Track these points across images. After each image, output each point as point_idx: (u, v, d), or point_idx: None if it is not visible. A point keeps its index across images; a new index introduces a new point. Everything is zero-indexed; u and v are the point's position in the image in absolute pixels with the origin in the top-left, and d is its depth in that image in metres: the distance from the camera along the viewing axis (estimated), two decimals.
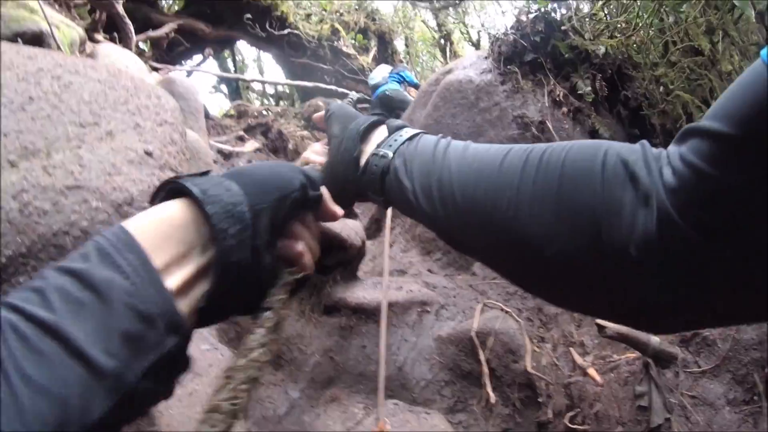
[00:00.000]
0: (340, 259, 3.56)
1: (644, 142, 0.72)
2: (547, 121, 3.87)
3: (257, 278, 0.71)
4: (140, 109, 1.08)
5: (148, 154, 1.01)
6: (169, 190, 0.69)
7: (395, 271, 4.10)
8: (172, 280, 0.60)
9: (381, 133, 1.02)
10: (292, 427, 3.13)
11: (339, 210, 0.90)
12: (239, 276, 0.67)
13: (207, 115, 5.85)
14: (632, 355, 2.92)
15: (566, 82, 4.02)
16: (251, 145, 5.86)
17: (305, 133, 6.58)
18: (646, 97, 3.91)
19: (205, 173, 0.73)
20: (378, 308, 3.39)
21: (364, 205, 4.98)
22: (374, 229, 4.63)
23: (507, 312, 3.39)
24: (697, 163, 0.59)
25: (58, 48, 3.92)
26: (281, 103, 8.95)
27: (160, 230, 0.63)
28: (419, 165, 0.89)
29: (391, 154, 0.94)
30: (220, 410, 0.65)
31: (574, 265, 0.70)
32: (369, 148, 0.99)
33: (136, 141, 1.04)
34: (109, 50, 4.42)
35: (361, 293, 3.51)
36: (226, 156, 5.58)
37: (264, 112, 6.51)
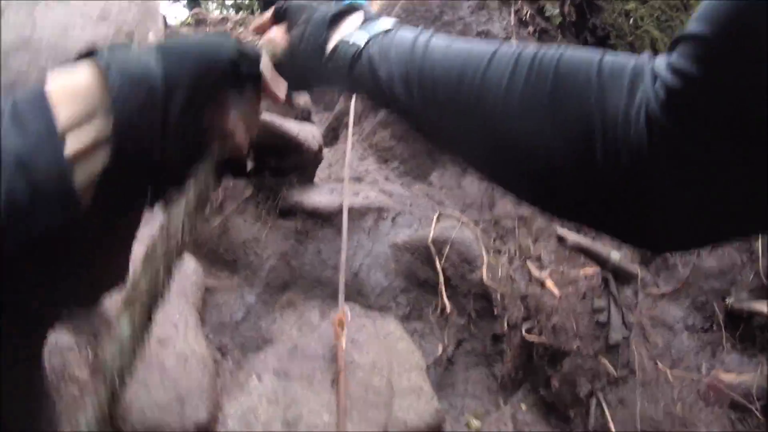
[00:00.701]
0: (296, 162, 3.50)
1: (645, 54, 0.69)
2: (512, 39, 3.85)
3: (165, 158, 0.65)
4: None
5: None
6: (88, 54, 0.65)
7: (352, 178, 4.03)
8: (72, 142, 0.57)
9: (354, 20, 0.95)
10: (249, 332, 3.11)
11: (281, 91, 0.86)
12: (141, 152, 0.62)
13: (165, 24, 5.57)
14: (591, 270, 2.98)
15: (534, 3, 3.99)
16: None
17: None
18: (614, 27, 3.94)
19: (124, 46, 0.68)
20: (334, 213, 3.36)
21: (321, 113, 4.88)
22: (331, 137, 4.53)
23: (463, 222, 3.41)
24: (683, 68, 0.58)
25: None
26: (240, 12, 8.54)
27: (68, 89, 0.60)
28: (397, 54, 0.83)
29: (363, 42, 0.88)
30: (139, 292, 0.63)
31: (566, 174, 0.68)
32: (338, 36, 0.92)
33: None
34: None
35: (317, 197, 3.46)
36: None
37: (223, 21, 6.24)
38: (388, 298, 3.28)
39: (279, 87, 0.86)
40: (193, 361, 2.30)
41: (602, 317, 2.80)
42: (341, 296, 2.85)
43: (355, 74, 0.87)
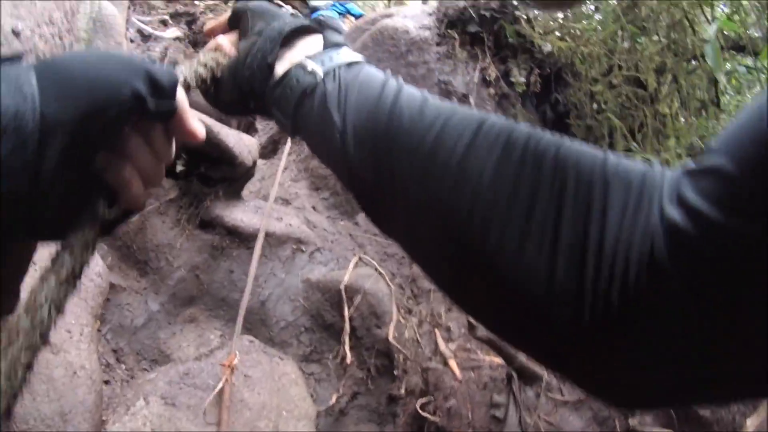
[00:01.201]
0: (227, 174, 3.37)
1: (656, 163, 0.58)
2: (471, 96, 3.81)
3: (40, 211, 0.54)
4: None
5: (15, 33, 0.80)
6: None
7: (280, 198, 3.94)
8: None
9: (313, 43, 0.81)
10: (147, 340, 2.96)
11: (200, 130, 0.69)
12: (10, 201, 0.51)
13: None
14: (497, 360, 2.92)
15: (502, 65, 3.96)
16: (172, 32, 5.37)
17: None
18: (576, 107, 3.93)
19: (17, 59, 0.55)
20: (253, 234, 3.25)
21: (267, 121, 4.74)
22: (270, 149, 4.42)
23: (381, 273, 3.34)
24: (702, 209, 0.48)
25: None
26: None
27: None
28: (358, 101, 0.70)
29: (321, 73, 0.74)
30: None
31: (543, 299, 0.54)
32: (292, 56, 0.79)
33: (7, 15, 0.83)
34: None
35: (240, 215, 3.34)
36: (145, 37, 5.11)
37: (195, 2, 6.00)
38: (290, 334, 3.18)
39: (198, 124, 0.70)
40: (83, 376, 2.17)
41: (499, 413, 2.73)
42: (236, 335, 2.73)
43: (303, 110, 0.75)
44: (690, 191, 0.49)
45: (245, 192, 3.70)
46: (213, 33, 0.89)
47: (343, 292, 3.16)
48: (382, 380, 3.01)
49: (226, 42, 0.85)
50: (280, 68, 0.78)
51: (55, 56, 0.58)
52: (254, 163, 3.48)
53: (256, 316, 3.19)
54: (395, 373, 2.94)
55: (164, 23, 5.46)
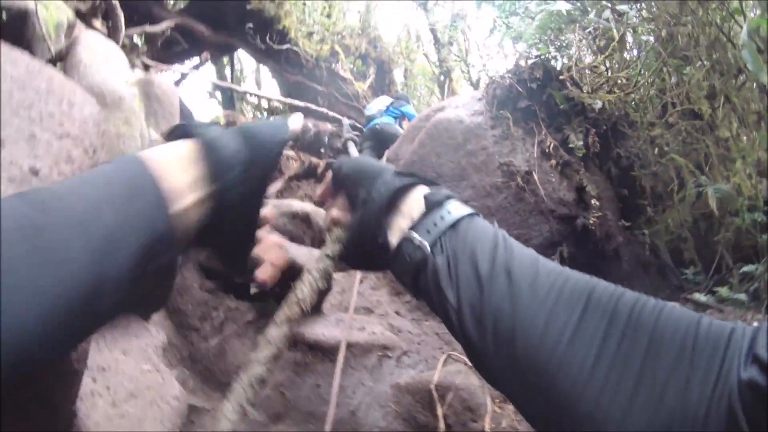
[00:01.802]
0: None
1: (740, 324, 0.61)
2: (534, 172, 3.74)
3: (244, 215, 0.86)
4: (42, 117, 0.92)
5: (34, 172, 0.85)
6: (179, 134, 0.81)
7: (362, 308, 3.92)
8: (180, 201, 0.72)
9: (416, 202, 0.87)
10: None
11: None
12: (231, 209, 0.81)
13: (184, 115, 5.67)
14: None
15: (558, 133, 3.90)
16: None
17: (291, 153, 6.39)
18: (638, 157, 3.80)
19: (210, 124, 0.84)
20: (336, 347, 3.21)
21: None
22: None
23: (470, 367, 3.21)
24: None
25: (40, 29, 3.76)
26: (272, 118, 8.81)
27: (174, 160, 0.74)
28: (468, 278, 0.74)
29: (428, 246, 0.81)
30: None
31: None
32: (401, 223, 0.86)
33: (25, 155, 0.88)
34: (91, 39, 4.25)
35: (320, 330, 3.33)
36: None
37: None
38: None
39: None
40: None
41: None
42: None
43: (420, 284, 0.84)
44: (763, 348, 0.52)
45: (326, 306, 3.71)
46: (324, 199, 1.06)
47: (434, 391, 3.05)
48: None
49: (341, 215, 0.98)
50: (393, 239, 0.87)
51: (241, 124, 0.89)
52: (330, 276, 3.50)
53: (347, 426, 3.11)
54: None
55: None
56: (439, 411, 2.99)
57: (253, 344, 3.28)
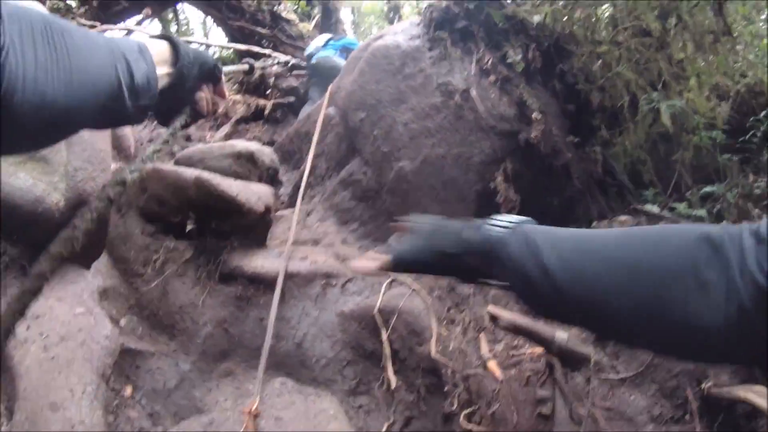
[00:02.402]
0: (238, 224, 3.29)
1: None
2: (472, 89, 3.64)
3: (185, 91, 1.25)
4: None
5: None
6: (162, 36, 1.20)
7: (310, 240, 3.83)
8: (159, 70, 1.11)
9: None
10: (182, 400, 2.87)
11: (226, 92, 1.42)
12: (179, 85, 1.21)
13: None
14: (538, 350, 2.61)
15: (497, 51, 3.78)
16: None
17: (237, 97, 6.19)
18: (583, 72, 3.71)
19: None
20: (277, 278, 3.13)
21: (291, 173, 4.67)
22: (294, 198, 4.32)
23: (415, 290, 3.15)
24: None
25: None
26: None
27: (157, 50, 1.13)
28: (559, 237, 1.01)
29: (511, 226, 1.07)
30: None
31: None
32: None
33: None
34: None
35: (260, 262, 3.25)
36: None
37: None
38: (333, 370, 3.01)
39: (226, 91, 1.42)
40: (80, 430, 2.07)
41: (546, 409, 2.38)
42: (258, 379, 2.60)
43: (499, 248, 1.04)
44: None
45: (275, 243, 3.62)
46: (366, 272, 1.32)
47: (378, 317, 2.99)
48: (433, 399, 2.78)
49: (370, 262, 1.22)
50: (470, 231, 1.15)
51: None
52: (267, 209, 3.40)
53: (294, 359, 3.05)
54: (445, 389, 2.71)
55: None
56: (384, 336, 2.94)
57: (193, 283, 3.18)
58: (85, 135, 1.25)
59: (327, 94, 4.64)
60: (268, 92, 6.64)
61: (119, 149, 4.54)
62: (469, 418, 2.51)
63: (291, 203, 4.34)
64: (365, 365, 3.00)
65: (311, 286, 3.23)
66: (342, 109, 4.33)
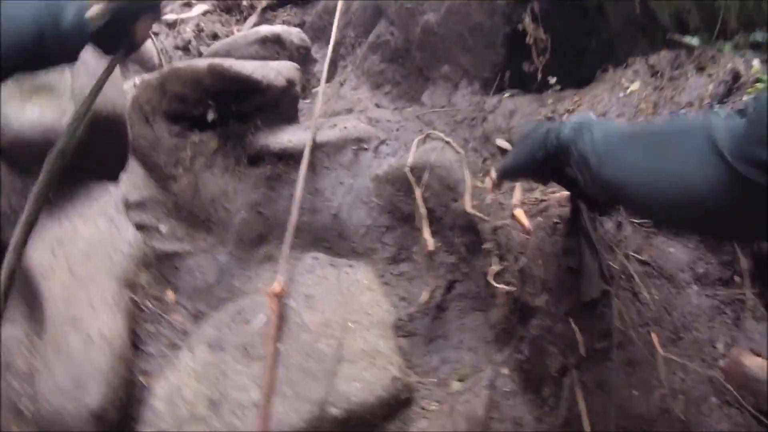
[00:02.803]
0: (259, 103, 3.17)
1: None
2: None
3: (124, 23, 1.32)
4: None
5: None
6: None
7: (343, 110, 3.68)
8: (93, 9, 1.19)
9: None
10: (223, 294, 2.87)
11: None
12: (118, 18, 1.27)
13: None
14: (565, 194, 2.26)
15: None
16: (199, 8, 5.32)
17: None
18: None
19: None
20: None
21: (324, 49, 4.48)
22: (332, 71, 4.15)
23: (447, 142, 2.99)
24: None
25: None
26: None
27: None
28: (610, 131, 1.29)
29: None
30: None
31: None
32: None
33: None
34: None
35: (286, 137, 3.14)
36: (171, 25, 5.11)
37: None
38: (373, 239, 2.93)
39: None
40: (100, 343, 2.09)
41: (572, 262, 2.07)
42: (283, 257, 2.53)
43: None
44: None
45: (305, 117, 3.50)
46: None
47: (409, 174, 2.85)
48: (474, 259, 2.63)
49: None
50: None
51: None
52: (289, 83, 3.25)
53: (332, 232, 2.98)
54: (483, 246, 2.57)
55: (187, 5, 5.39)
56: (417, 193, 2.82)
57: (222, 171, 3.13)
58: (87, 55, 1.20)
59: None
60: None
61: (141, 62, 4.48)
62: (496, 277, 2.37)
63: (328, 79, 4.18)
64: (404, 230, 2.90)
65: (343, 153, 3.11)
66: None
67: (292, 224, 2.66)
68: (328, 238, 2.98)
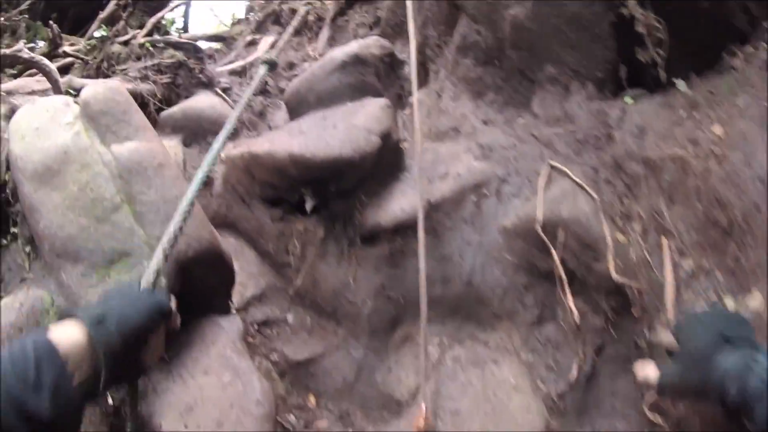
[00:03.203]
0: (357, 177, 2.96)
1: None
2: None
3: (125, 372, 1.21)
4: None
5: None
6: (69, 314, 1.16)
7: (449, 129, 3.34)
8: (77, 375, 1.06)
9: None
10: (366, 390, 2.77)
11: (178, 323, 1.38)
12: (111, 377, 1.12)
13: (198, 51, 4.97)
14: None
15: None
16: (265, 42, 4.97)
17: None
18: None
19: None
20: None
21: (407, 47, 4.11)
22: (421, 75, 3.74)
23: (578, 183, 2.63)
24: None
25: None
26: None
27: (70, 343, 1.07)
28: None
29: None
30: None
31: None
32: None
33: None
34: None
35: (396, 206, 2.88)
36: (240, 72, 4.81)
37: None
38: (512, 299, 2.70)
39: (177, 320, 1.37)
40: None
41: None
42: (422, 364, 2.36)
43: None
44: None
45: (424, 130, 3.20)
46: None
47: (542, 234, 2.55)
48: (623, 322, 2.36)
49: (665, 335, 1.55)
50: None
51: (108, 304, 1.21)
52: (384, 136, 2.96)
53: (468, 299, 2.76)
54: (632, 311, 2.27)
55: (252, 43, 5.04)
56: (555, 256, 2.52)
57: (337, 259, 2.94)
58: None
59: None
60: None
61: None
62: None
63: (420, 83, 3.81)
64: (544, 288, 2.63)
65: (462, 206, 2.84)
66: None
67: (424, 318, 2.45)
68: (465, 306, 2.78)
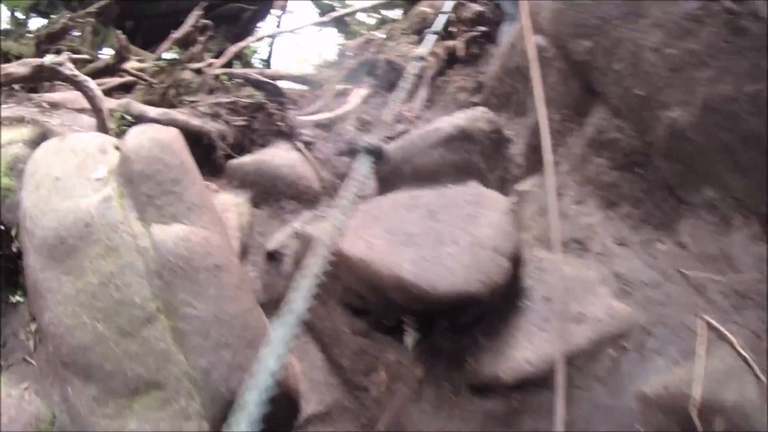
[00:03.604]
0: (475, 314, 2.51)
1: None
2: None
3: None
4: None
5: None
6: None
7: (572, 242, 2.89)
8: None
9: None
10: None
11: None
12: None
13: (280, 95, 4.56)
14: None
15: None
16: (357, 95, 4.48)
17: (420, 50, 4.95)
18: None
19: None
20: (550, 372, 2.30)
21: (512, 123, 3.63)
22: (534, 159, 3.27)
23: (745, 360, 2.16)
24: None
25: None
26: (385, 25, 6.62)
27: None
28: None
29: None
30: None
31: None
32: None
33: None
34: None
35: (520, 355, 2.44)
36: (326, 126, 4.32)
37: (367, 43, 5.03)
38: None
39: None
40: None
41: None
42: None
43: None
44: None
45: (526, 238, 2.78)
46: None
47: (696, 420, 2.10)
48: None
49: None
50: None
51: None
52: (515, 260, 2.55)
53: None
54: None
55: (343, 94, 4.58)
56: None
57: (435, 406, 2.51)
58: None
59: (523, 14, 3.37)
60: (451, 30, 5.04)
61: (296, 193, 3.82)
62: None
63: (529, 168, 3.35)
64: None
65: (598, 361, 2.42)
66: (554, 36, 3.23)
67: None
68: None
